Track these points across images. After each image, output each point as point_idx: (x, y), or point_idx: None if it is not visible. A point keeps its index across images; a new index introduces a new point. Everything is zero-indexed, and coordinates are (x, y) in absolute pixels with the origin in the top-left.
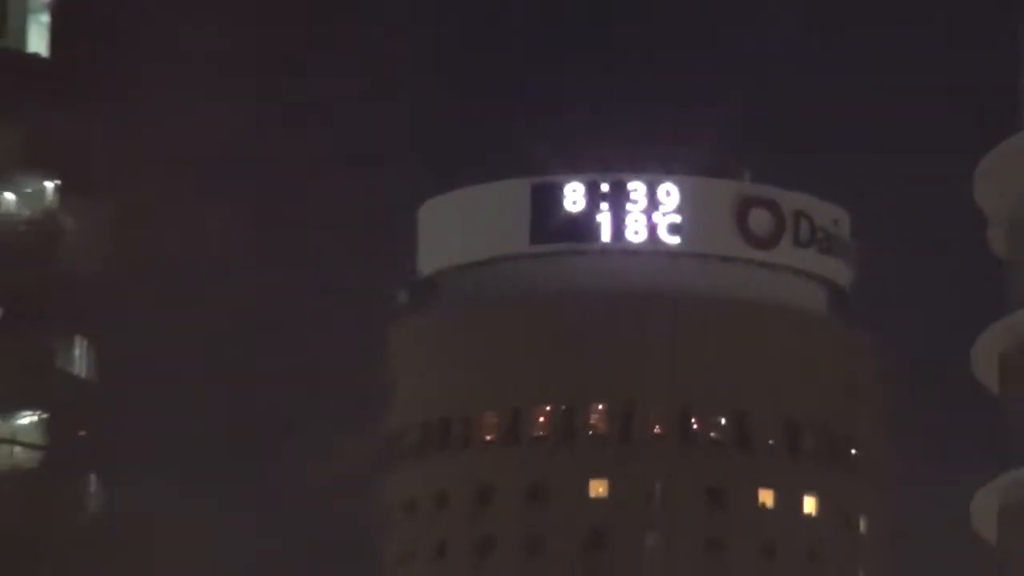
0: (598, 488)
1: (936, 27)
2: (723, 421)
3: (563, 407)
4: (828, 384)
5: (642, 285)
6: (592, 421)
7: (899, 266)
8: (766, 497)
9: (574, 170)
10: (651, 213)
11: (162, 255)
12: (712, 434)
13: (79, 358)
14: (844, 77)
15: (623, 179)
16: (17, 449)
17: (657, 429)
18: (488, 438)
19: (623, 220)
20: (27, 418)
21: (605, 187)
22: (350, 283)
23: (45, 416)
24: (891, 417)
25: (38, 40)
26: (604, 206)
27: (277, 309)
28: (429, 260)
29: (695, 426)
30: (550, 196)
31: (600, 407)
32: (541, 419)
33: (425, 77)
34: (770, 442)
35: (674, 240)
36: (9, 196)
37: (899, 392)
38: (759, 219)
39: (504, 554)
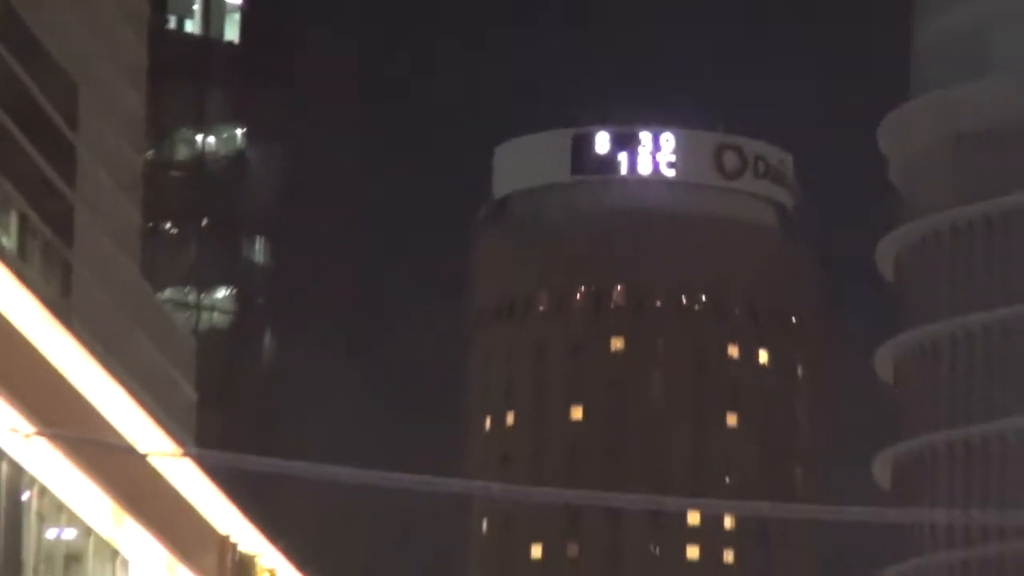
0: (617, 344)
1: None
2: (704, 298)
3: (594, 287)
4: (776, 274)
5: (649, 205)
6: (614, 298)
7: (826, 193)
8: (733, 351)
9: (602, 123)
10: (655, 154)
11: (316, 180)
12: (696, 307)
13: (259, 251)
14: (792, 58)
15: (636, 130)
16: (216, 314)
17: (658, 303)
18: (542, 309)
19: (636, 159)
20: (223, 292)
21: (623, 136)
22: (450, 203)
23: (235, 291)
24: (820, 297)
25: (232, 31)
26: (622, 149)
27: (397, 222)
28: (501, 186)
29: (685, 302)
30: (585, 141)
31: (620, 288)
32: (578, 296)
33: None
34: (736, 312)
35: (671, 173)
36: (211, 140)
37: (825, 280)
38: (730, 159)
39: (554, 393)
